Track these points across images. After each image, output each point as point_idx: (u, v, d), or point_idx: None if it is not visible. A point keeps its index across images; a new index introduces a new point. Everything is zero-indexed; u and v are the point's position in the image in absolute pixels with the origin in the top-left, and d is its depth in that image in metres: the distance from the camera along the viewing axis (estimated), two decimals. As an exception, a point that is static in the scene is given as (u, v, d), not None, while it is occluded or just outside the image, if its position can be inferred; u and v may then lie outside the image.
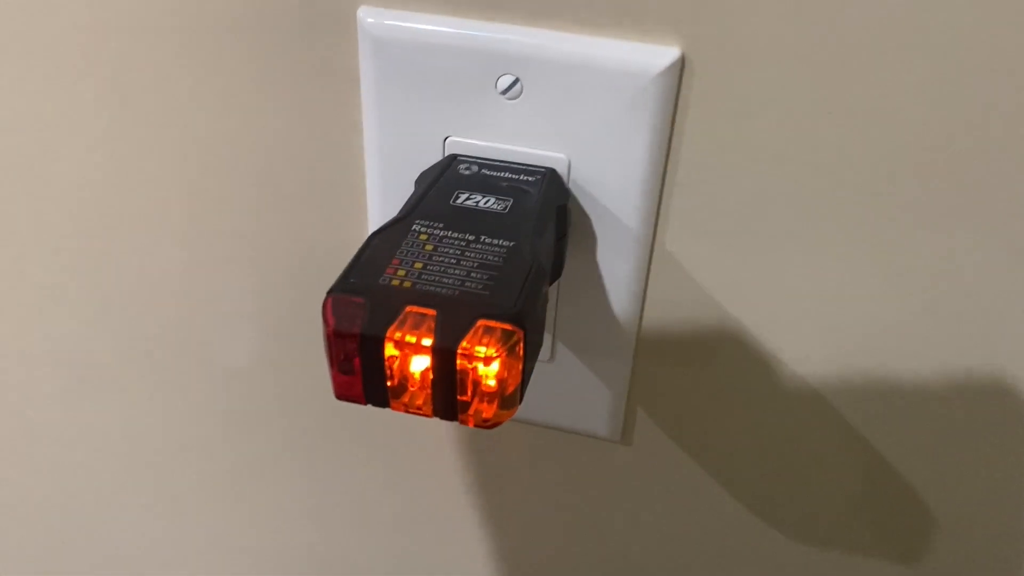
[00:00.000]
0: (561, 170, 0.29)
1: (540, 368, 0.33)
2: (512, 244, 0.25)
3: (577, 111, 0.28)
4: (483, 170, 0.29)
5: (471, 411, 0.23)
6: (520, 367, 0.23)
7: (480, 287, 0.23)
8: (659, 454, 0.35)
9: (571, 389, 0.34)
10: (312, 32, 0.29)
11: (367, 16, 0.28)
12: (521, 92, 0.28)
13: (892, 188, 0.27)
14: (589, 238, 0.30)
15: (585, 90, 0.27)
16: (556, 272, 0.29)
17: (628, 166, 0.28)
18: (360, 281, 0.24)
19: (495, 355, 0.22)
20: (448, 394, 0.23)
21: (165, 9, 0.30)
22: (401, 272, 0.24)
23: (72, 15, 0.31)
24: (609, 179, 0.29)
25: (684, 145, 0.28)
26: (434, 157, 0.30)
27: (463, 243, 0.25)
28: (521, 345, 0.23)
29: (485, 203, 0.27)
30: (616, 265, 0.30)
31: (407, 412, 0.24)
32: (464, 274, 0.24)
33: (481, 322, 0.22)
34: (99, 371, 0.42)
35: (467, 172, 0.29)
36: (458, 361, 0.22)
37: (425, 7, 0.28)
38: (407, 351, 0.23)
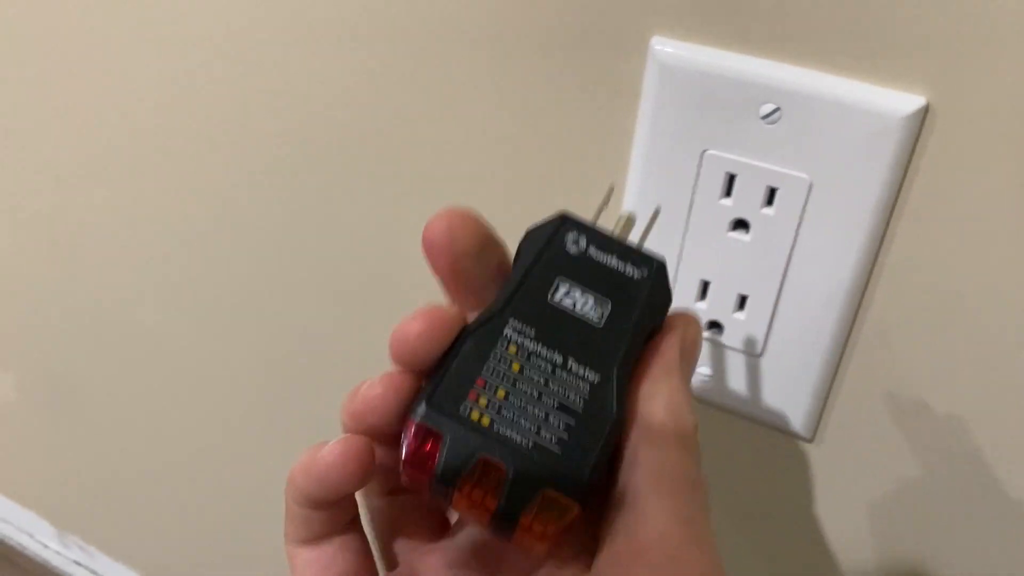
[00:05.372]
0: (801, 192, 0.34)
1: (748, 361, 0.38)
2: (597, 380, 0.25)
3: (825, 140, 0.33)
4: (591, 247, 0.27)
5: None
6: (566, 533, 0.23)
7: (555, 441, 0.23)
8: (847, 457, 0.39)
9: (773, 383, 0.38)
10: (609, 52, 0.35)
11: (658, 44, 0.34)
12: (780, 119, 0.33)
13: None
14: (822, 251, 0.35)
15: (835, 123, 0.32)
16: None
17: (862, 196, 0.33)
18: (443, 404, 0.24)
19: (550, 532, 0.23)
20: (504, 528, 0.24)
21: (483, 29, 0.37)
22: (483, 401, 0.24)
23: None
24: (844, 205, 0.33)
25: (915, 187, 0.32)
26: (691, 167, 0.35)
27: (550, 367, 0.25)
28: (578, 517, 0.23)
29: (583, 307, 0.26)
30: (838, 275, 0.35)
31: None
32: (543, 417, 0.24)
33: (546, 492, 0.23)
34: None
35: (573, 249, 0.27)
36: (515, 527, 0.23)
37: (708, 41, 0.33)
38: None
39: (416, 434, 0.23)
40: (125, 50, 0.49)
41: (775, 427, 0.40)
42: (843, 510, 0.41)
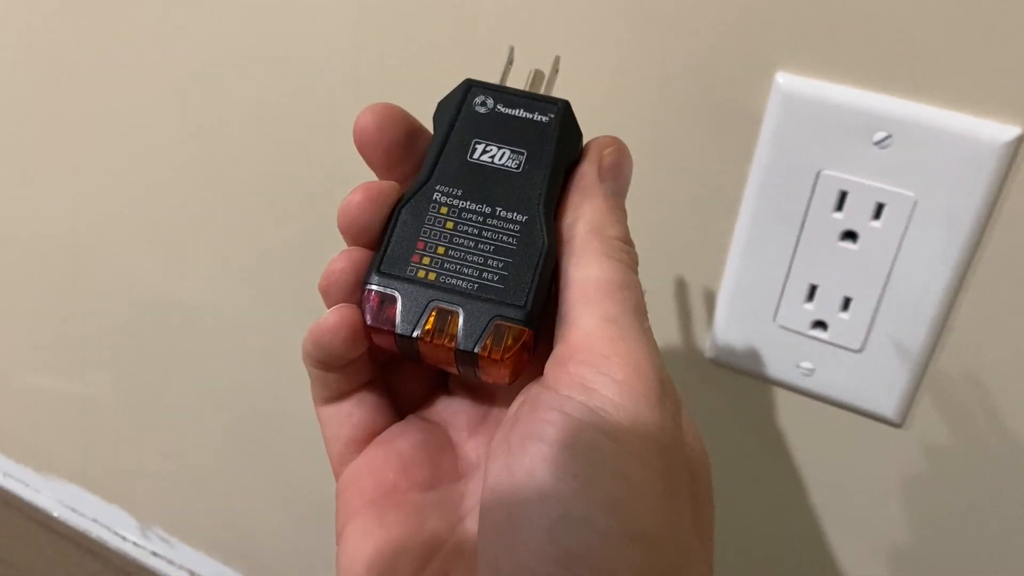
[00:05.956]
0: (907, 207, 0.39)
1: (848, 357, 0.43)
2: (525, 219, 0.28)
3: (930, 163, 0.38)
4: (498, 105, 0.29)
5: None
6: (524, 358, 0.27)
7: (496, 279, 0.27)
8: (935, 445, 0.44)
9: (870, 376, 0.43)
10: (737, 85, 0.41)
11: (782, 79, 0.39)
12: (890, 144, 0.38)
13: None
14: (922, 260, 0.40)
15: (939, 148, 0.37)
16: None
17: (961, 212, 0.38)
18: (392, 270, 0.27)
19: (508, 357, 0.26)
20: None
21: (620, 58, 0.43)
22: (426, 260, 0.27)
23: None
24: (944, 220, 0.38)
25: (1008, 205, 0.38)
26: (807, 185, 0.40)
27: (480, 218, 0.28)
28: (529, 341, 0.26)
29: (500, 159, 0.29)
30: (935, 281, 0.40)
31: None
32: (482, 262, 0.27)
33: (496, 323, 0.26)
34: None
35: (483, 109, 0.29)
36: (477, 359, 0.26)
37: (827, 76, 0.39)
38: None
39: (373, 300, 0.26)
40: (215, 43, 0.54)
41: (869, 415, 0.45)
42: (927, 488, 0.46)
